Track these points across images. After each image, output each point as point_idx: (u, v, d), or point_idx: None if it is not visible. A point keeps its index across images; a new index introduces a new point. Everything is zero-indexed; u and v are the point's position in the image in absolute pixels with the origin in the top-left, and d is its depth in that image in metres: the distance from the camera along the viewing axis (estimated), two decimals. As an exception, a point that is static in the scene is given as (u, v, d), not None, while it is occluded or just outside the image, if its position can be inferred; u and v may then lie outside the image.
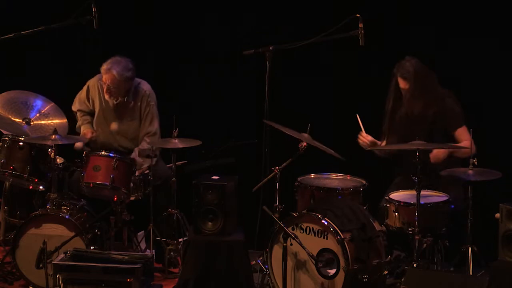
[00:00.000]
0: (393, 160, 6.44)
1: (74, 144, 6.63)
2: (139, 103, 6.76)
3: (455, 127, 6.23)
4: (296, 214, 5.82)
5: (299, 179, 6.23)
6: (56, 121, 6.72)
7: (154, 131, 6.75)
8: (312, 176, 6.36)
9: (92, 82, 6.87)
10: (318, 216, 5.71)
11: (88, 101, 6.87)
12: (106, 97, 6.73)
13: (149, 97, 6.76)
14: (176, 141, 6.44)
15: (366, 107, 6.58)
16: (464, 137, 6.16)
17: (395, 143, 6.30)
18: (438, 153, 6.19)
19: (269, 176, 6.01)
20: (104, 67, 6.66)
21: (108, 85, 6.66)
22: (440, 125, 6.26)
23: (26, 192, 6.64)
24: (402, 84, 6.31)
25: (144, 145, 6.69)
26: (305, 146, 5.98)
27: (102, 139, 6.83)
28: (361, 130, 6.37)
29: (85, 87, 6.88)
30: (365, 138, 6.37)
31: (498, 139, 6.69)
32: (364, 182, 6.21)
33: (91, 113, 6.89)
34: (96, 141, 6.81)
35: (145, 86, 6.80)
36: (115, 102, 6.75)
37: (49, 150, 6.22)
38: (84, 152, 6.50)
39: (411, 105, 6.29)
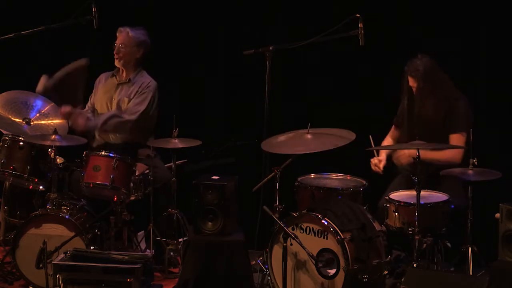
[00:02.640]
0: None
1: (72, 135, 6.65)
2: (138, 88, 6.77)
3: (453, 131, 6.19)
4: (296, 214, 5.82)
5: (299, 179, 6.23)
6: (56, 121, 6.73)
7: (136, 110, 6.70)
8: (312, 176, 6.36)
9: (99, 77, 6.96)
10: (318, 216, 5.71)
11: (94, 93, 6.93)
12: (116, 62, 6.75)
13: (149, 84, 6.77)
14: (176, 141, 6.45)
15: (366, 106, 6.59)
16: (456, 144, 6.13)
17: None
18: (400, 155, 6.15)
19: (269, 176, 6.01)
20: (121, 28, 6.77)
21: (119, 44, 6.71)
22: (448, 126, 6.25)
23: (26, 192, 6.64)
24: (411, 82, 6.27)
25: (105, 116, 6.68)
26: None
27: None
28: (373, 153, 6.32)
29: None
30: (378, 162, 6.32)
31: (498, 139, 6.69)
32: (364, 182, 6.21)
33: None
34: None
35: (150, 79, 6.81)
36: (118, 82, 6.79)
37: (49, 150, 6.23)
38: (84, 152, 6.50)
39: (423, 105, 6.26)
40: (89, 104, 6.93)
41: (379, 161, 6.33)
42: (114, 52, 6.74)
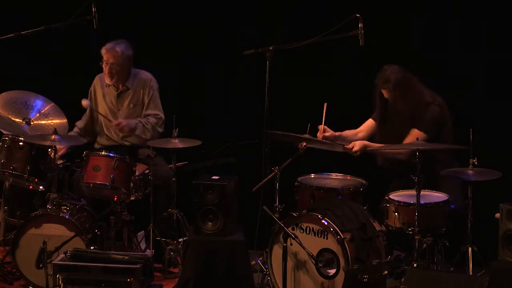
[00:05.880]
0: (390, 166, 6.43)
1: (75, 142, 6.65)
2: (140, 90, 6.78)
3: (413, 126, 6.18)
4: (296, 214, 5.82)
5: (299, 179, 6.23)
6: (56, 121, 6.72)
7: (160, 115, 6.76)
8: (312, 176, 6.36)
9: (95, 80, 6.92)
10: (318, 216, 5.71)
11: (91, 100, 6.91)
12: (108, 80, 6.74)
13: (151, 81, 6.80)
14: (176, 141, 6.45)
15: (366, 107, 6.58)
16: (410, 138, 6.13)
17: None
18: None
19: (269, 176, 6.01)
20: (106, 47, 6.73)
21: (111, 63, 6.70)
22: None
23: (26, 192, 6.63)
24: (385, 94, 6.29)
25: (134, 121, 6.70)
26: (305, 146, 5.99)
27: (107, 132, 6.88)
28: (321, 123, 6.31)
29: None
30: (320, 130, 6.29)
31: (498, 139, 6.69)
32: (364, 182, 6.21)
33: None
34: (101, 133, 6.89)
35: (146, 74, 6.85)
36: (117, 92, 6.79)
37: (49, 150, 6.22)
38: (84, 152, 6.50)
39: (397, 112, 6.26)
40: (81, 125, 6.93)
41: (324, 131, 6.29)
42: (107, 72, 6.71)
